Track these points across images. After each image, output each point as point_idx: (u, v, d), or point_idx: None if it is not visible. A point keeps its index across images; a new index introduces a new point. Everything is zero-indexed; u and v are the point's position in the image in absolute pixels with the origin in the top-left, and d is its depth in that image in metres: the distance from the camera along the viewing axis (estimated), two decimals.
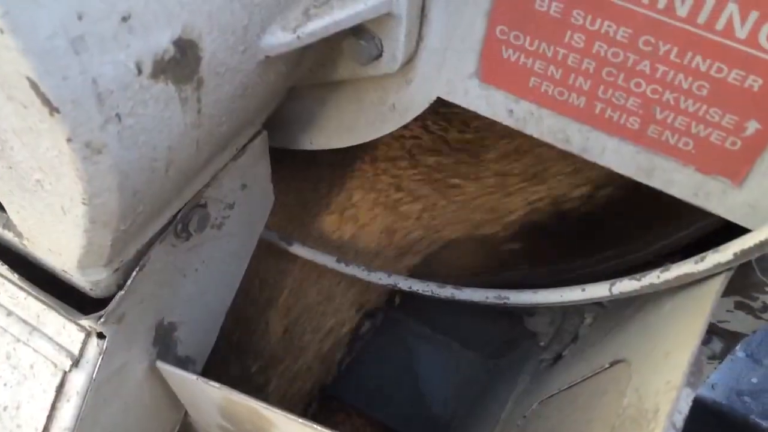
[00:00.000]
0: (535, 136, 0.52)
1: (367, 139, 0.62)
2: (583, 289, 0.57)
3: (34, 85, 0.31)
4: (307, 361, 0.88)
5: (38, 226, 0.46)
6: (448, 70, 0.52)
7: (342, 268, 0.77)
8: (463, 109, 0.53)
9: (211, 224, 0.61)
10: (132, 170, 0.38)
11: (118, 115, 0.34)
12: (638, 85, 0.45)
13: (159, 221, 0.53)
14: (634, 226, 0.65)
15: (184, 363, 0.68)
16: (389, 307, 0.88)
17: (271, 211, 0.71)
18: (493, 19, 0.47)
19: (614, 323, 0.62)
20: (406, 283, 0.73)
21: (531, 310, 0.79)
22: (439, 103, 0.54)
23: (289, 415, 0.53)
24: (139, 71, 0.34)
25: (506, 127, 0.52)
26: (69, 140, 0.34)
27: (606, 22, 0.43)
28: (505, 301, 0.64)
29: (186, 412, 0.74)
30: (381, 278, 0.74)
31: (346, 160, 0.79)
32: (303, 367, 0.89)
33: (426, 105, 0.56)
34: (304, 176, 0.81)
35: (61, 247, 0.47)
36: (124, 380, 0.61)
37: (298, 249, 0.79)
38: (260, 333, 0.83)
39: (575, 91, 0.48)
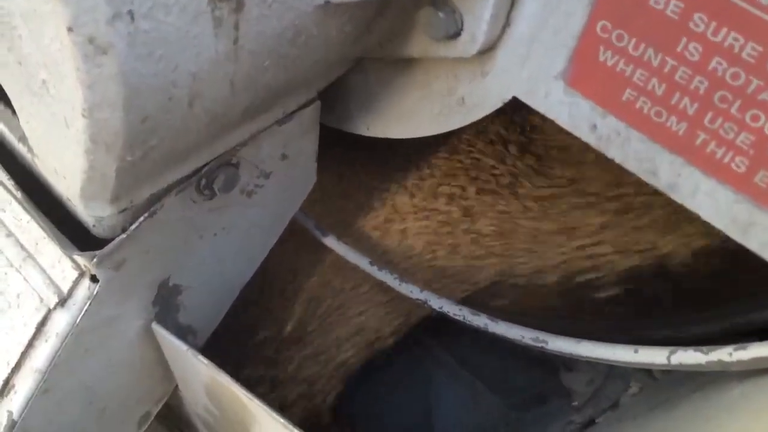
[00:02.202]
0: (617, 160, 0.44)
1: (428, 134, 0.56)
2: (636, 351, 0.49)
3: None
4: (318, 366, 0.82)
5: (45, 140, 0.42)
6: (531, 65, 0.45)
7: (374, 272, 0.71)
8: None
9: (240, 189, 0.56)
10: (143, 87, 0.33)
11: (131, 13, 0.29)
12: (755, 118, 0.37)
13: (180, 168, 0.48)
14: (712, 293, 0.56)
15: (183, 332, 0.63)
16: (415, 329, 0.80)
17: (310, 194, 0.66)
18: (596, 11, 0.40)
19: (664, 399, 0.54)
20: (437, 302, 0.66)
21: (570, 364, 0.70)
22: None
23: (272, 413, 0.47)
24: None
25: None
26: (70, 30, 0.29)
27: (732, 34, 0.36)
28: (543, 345, 0.56)
29: (177, 388, 0.69)
30: (412, 291, 0.67)
31: (405, 156, 0.72)
32: (313, 371, 0.82)
33: (499, 104, 0.49)
34: (354, 166, 0.75)
35: (66, 168, 0.42)
36: (114, 334, 0.56)
37: (331, 242, 0.73)
38: (270, 325, 0.77)
39: (676, 114, 0.40)
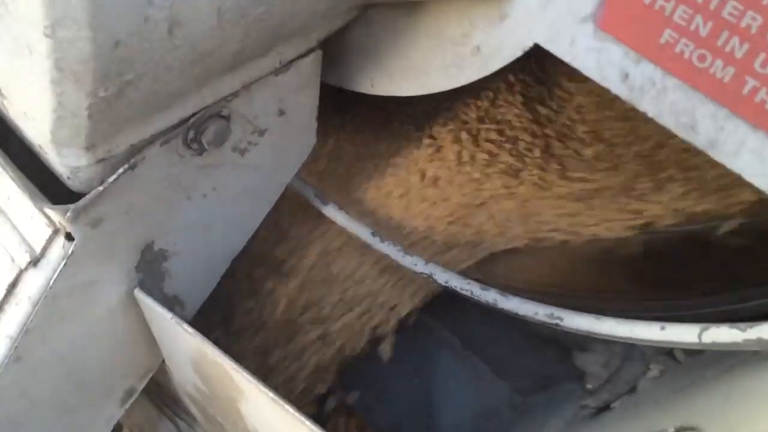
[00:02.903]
0: (650, 114, 0.40)
1: (438, 89, 0.51)
2: (663, 328, 0.44)
3: None
4: (315, 348, 0.78)
5: (12, 76, 0.37)
6: (556, 7, 0.41)
7: (376, 243, 0.66)
8: None
9: (232, 146, 0.52)
10: (112, 2, 0.28)
11: None
12: None
13: (164, 116, 0.43)
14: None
15: (170, 302, 0.59)
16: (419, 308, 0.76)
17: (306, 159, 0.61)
18: None
19: (689, 382, 0.49)
20: (443, 276, 0.61)
21: (584, 344, 0.66)
22: None
23: (261, 386, 0.43)
24: None
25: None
26: None
27: None
28: (558, 321, 0.52)
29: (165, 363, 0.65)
30: (416, 264, 0.63)
31: (411, 116, 0.67)
32: (308, 354, 0.78)
33: (518, 53, 0.44)
34: (355, 130, 0.70)
35: (34, 108, 0.38)
36: (92, 300, 0.51)
37: (332, 212, 0.69)
38: (263, 302, 0.73)
39: (723, 58, 0.36)
